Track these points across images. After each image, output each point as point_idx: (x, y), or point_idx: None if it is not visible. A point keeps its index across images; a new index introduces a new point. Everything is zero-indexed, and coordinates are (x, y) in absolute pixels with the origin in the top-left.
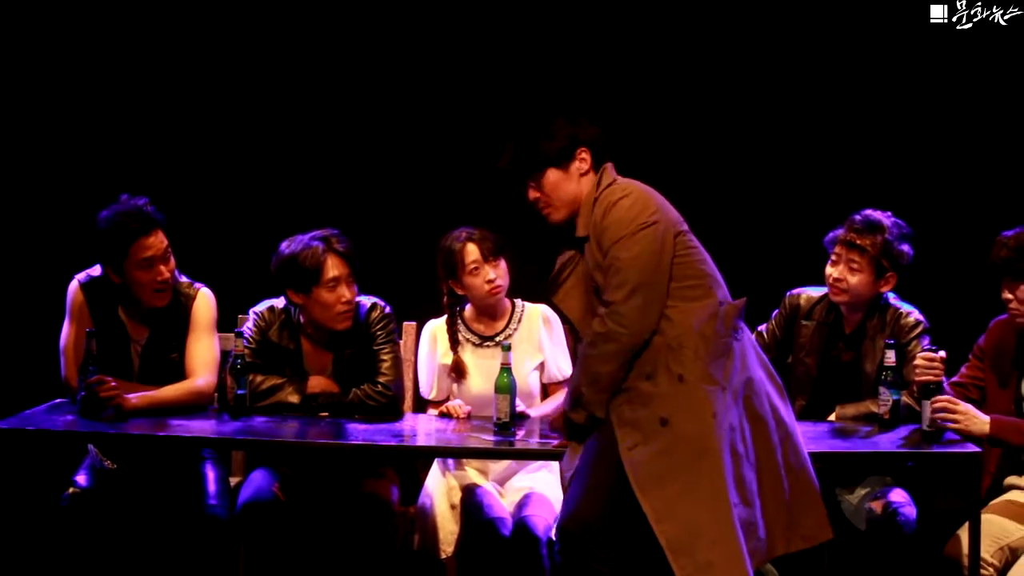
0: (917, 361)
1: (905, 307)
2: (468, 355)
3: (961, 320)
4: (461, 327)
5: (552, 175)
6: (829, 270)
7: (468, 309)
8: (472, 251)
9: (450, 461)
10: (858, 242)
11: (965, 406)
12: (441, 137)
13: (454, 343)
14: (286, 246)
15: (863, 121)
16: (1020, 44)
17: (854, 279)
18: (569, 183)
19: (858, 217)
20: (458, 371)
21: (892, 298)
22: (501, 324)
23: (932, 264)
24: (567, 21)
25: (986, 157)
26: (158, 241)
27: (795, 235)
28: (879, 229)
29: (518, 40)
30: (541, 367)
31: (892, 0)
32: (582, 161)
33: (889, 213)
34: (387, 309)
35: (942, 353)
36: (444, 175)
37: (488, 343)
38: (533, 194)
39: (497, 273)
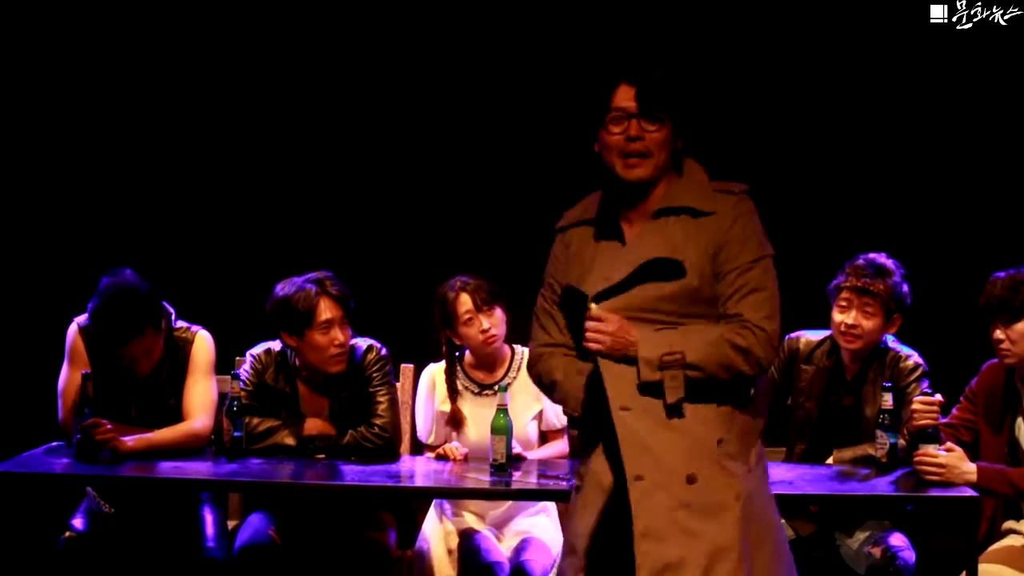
0: (914, 406)
1: (905, 350)
2: (467, 403)
3: (954, 362)
4: (460, 375)
5: (671, 129)
6: (840, 317)
7: (468, 356)
8: (465, 301)
9: (447, 505)
10: (871, 288)
11: (949, 455)
12: (438, 179)
13: (452, 392)
14: (280, 288)
15: (863, 138)
16: (1020, 44)
17: (869, 324)
18: (670, 145)
19: (862, 262)
20: (455, 421)
21: (891, 341)
22: (500, 372)
23: (926, 305)
24: (555, 74)
25: (986, 160)
26: (143, 344)
27: (793, 277)
28: (887, 272)
29: (514, 84)
30: (539, 415)
31: (892, 0)
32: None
33: (884, 254)
34: (383, 351)
35: (939, 397)
36: (441, 216)
37: (487, 391)
38: (646, 130)
39: (492, 322)
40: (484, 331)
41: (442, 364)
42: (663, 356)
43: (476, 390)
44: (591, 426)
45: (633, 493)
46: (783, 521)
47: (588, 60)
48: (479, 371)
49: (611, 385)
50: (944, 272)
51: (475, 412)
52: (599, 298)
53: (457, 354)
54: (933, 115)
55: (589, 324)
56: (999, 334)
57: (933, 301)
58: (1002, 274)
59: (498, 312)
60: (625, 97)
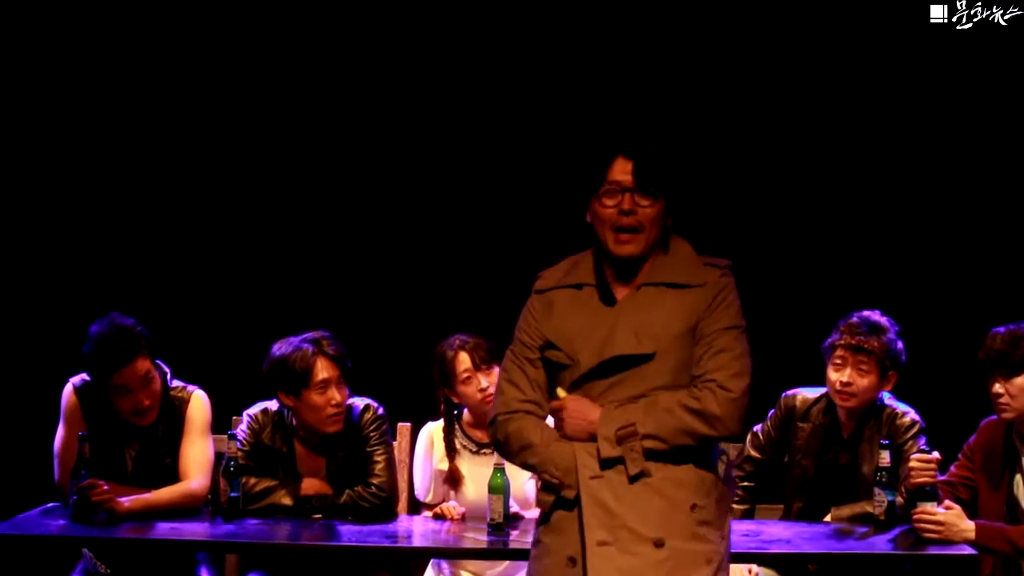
0: (912, 463)
1: (901, 407)
2: (465, 463)
3: (951, 419)
4: (458, 434)
5: (664, 205)
6: (835, 375)
7: (466, 414)
8: (464, 360)
9: (445, 565)
10: (865, 345)
11: (947, 513)
12: (435, 238)
13: (450, 451)
14: (277, 348)
15: (861, 174)
16: (1020, 44)
17: (864, 381)
18: (661, 221)
19: (856, 319)
20: (453, 480)
21: (888, 398)
22: None
23: (922, 362)
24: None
25: (986, 162)
26: (136, 371)
27: (788, 335)
28: (881, 329)
29: (512, 146)
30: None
31: (892, 0)
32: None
33: (878, 311)
34: (380, 410)
35: (936, 454)
36: (438, 276)
37: (485, 450)
38: (640, 205)
39: (490, 381)
40: (482, 390)
41: (440, 422)
42: (618, 431)
43: (474, 449)
44: (568, 492)
45: (592, 559)
46: None
47: (585, 129)
48: (477, 430)
49: (581, 454)
50: (940, 328)
51: (473, 471)
52: (575, 385)
53: (455, 412)
54: (932, 118)
55: (552, 409)
56: (998, 388)
57: (929, 358)
58: (1002, 329)
59: (496, 371)
60: (622, 170)
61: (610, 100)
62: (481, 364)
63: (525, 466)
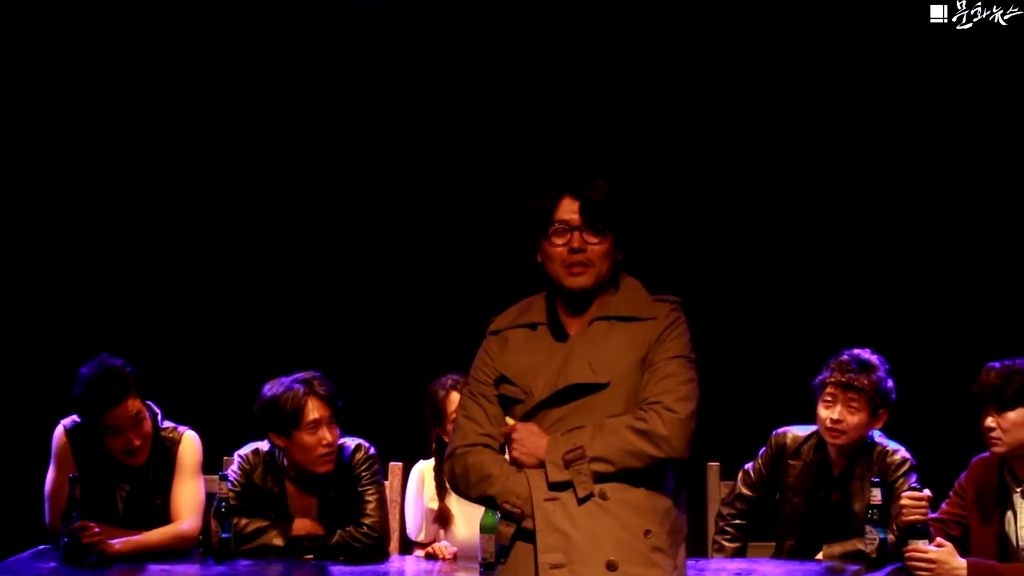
0: (903, 501)
1: (891, 445)
2: (456, 501)
3: (942, 456)
4: None
5: (613, 241)
6: (825, 413)
7: None
8: (454, 400)
9: None
10: (855, 383)
11: (939, 551)
12: (424, 279)
13: (441, 490)
14: (268, 389)
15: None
16: (1020, 44)
17: (854, 419)
18: (611, 256)
19: (846, 357)
20: (443, 519)
21: (878, 436)
22: None
23: (913, 400)
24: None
25: (986, 163)
26: (126, 411)
27: (777, 372)
28: (871, 367)
29: (490, 183)
30: None
31: (892, 0)
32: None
33: (868, 350)
34: (371, 450)
35: (927, 492)
36: (428, 316)
37: None
38: (588, 242)
39: None
40: None
41: (431, 461)
42: (566, 455)
43: None
44: (528, 523)
45: None
46: None
47: (532, 172)
48: None
49: (534, 479)
50: (930, 367)
51: (464, 510)
52: (528, 416)
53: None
54: (932, 118)
55: (504, 434)
56: (990, 422)
57: (919, 396)
58: (997, 364)
59: None
60: (569, 210)
61: (556, 141)
62: None
63: (482, 498)
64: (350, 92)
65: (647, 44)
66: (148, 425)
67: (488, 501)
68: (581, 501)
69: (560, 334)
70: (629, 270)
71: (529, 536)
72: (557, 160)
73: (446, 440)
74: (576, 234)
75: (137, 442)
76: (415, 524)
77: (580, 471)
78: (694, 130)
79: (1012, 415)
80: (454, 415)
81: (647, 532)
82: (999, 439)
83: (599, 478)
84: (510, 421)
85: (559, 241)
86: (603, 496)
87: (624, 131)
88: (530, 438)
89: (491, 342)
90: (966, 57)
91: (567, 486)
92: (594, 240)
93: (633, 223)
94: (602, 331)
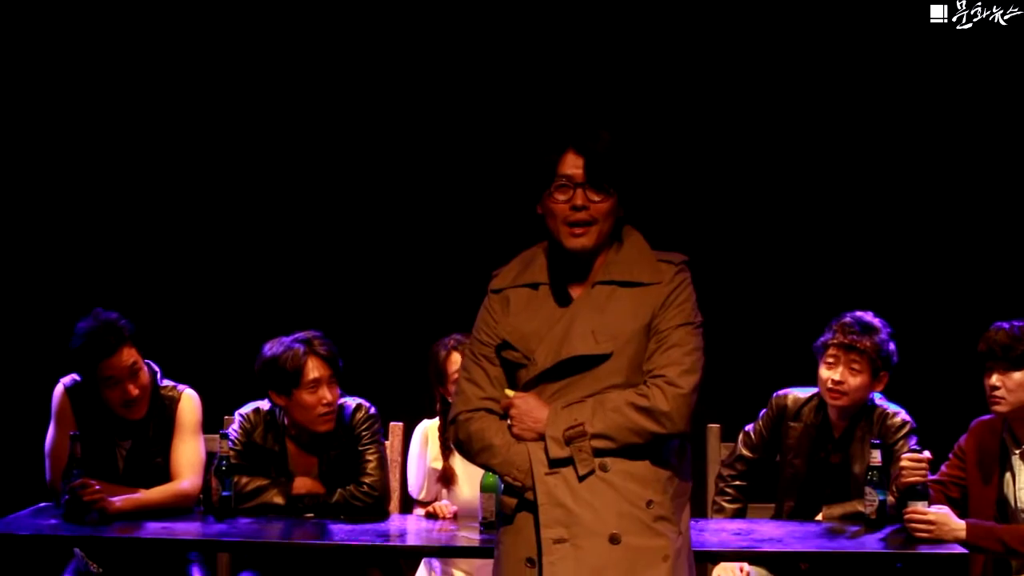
0: (902, 463)
1: (892, 407)
2: (459, 461)
3: (942, 419)
4: None
5: (616, 199)
6: (827, 374)
7: None
8: (456, 360)
9: (437, 563)
10: (857, 344)
11: (938, 513)
12: (426, 237)
13: (445, 450)
14: (268, 348)
15: (858, 170)
16: (1020, 44)
17: (855, 381)
18: (614, 214)
19: (849, 319)
20: (447, 479)
21: (878, 399)
22: None
23: (914, 364)
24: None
25: (985, 163)
26: (122, 360)
27: (780, 335)
28: (873, 329)
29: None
30: None
31: (892, 0)
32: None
33: (871, 312)
34: (372, 410)
35: (927, 454)
36: (430, 274)
37: None
38: (591, 200)
39: None
40: None
41: (436, 420)
42: (566, 432)
43: None
44: (530, 494)
45: (548, 556)
46: None
47: (536, 124)
48: None
49: (535, 452)
50: (931, 330)
51: (467, 470)
52: (530, 384)
53: None
54: (932, 118)
55: (502, 407)
56: (995, 380)
57: (920, 359)
58: (1005, 324)
59: None
60: (572, 165)
61: (563, 94)
62: None
63: (486, 467)
64: (348, 44)
65: None
66: (146, 376)
67: (491, 469)
68: (582, 478)
69: (562, 297)
70: (632, 223)
71: (532, 507)
72: (559, 111)
73: (450, 400)
74: (579, 191)
75: (135, 391)
76: (417, 482)
77: (581, 448)
78: (699, 91)
79: (1017, 375)
80: (455, 376)
81: (649, 502)
82: (1003, 398)
83: (600, 453)
84: (510, 393)
85: (561, 197)
86: (604, 468)
87: (629, 85)
88: (530, 412)
89: (493, 301)
90: (966, 57)
91: (568, 462)
92: (597, 198)
93: (638, 181)
94: (605, 296)
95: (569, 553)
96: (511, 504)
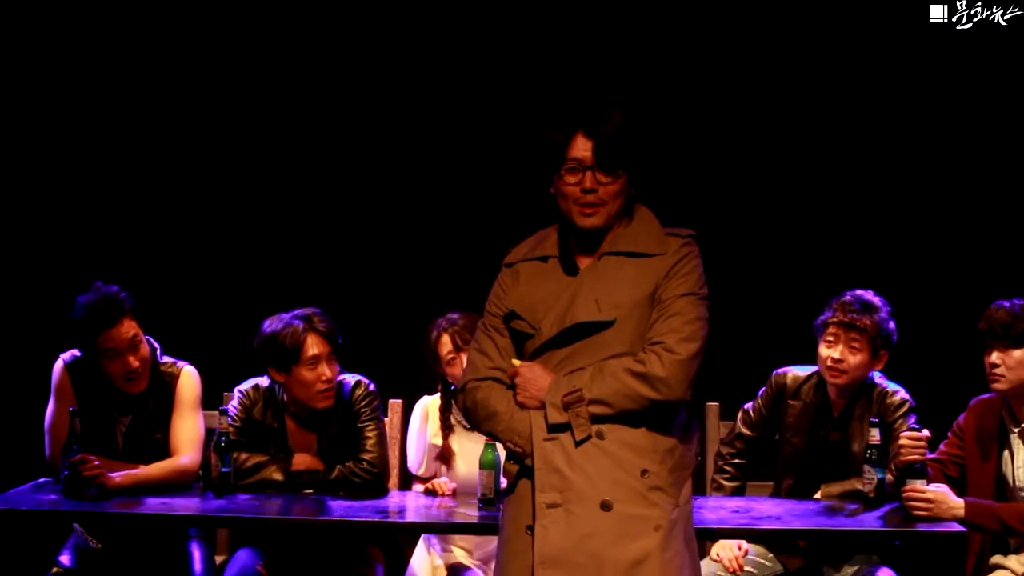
0: (901, 441)
1: (891, 386)
2: (459, 438)
3: (940, 398)
4: (454, 410)
5: (626, 179)
6: (826, 352)
7: None
8: (446, 342)
9: (435, 540)
10: (857, 323)
11: (936, 491)
12: (425, 214)
13: (445, 428)
14: (268, 325)
15: (858, 157)
16: (1020, 44)
17: (855, 359)
18: (625, 194)
19: (849, 297)
20: (444, 457)
21: (878, 377)
22: None
23: (913, 342)
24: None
25: (981, 177)
26: (122, 332)
27: (780, 312)
28: (873, 308)
29: (507, 117)
30: None
31: (892, 0)
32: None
33: (871, 291)
34: (371, 387)
35: (926, 432)
36: (430, 251)
37: None
38: (601, 182)
39: None
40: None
41: (436, 396)
42: (564, 397)
43: (468, 426)
44: (529, 460)
45: (540, 520)
46: (771, 556)
47: (546, 107)
48: None
49: (536, 419)
50: (931, 309)
51: (466, 447)
52: (536, 353)
53: (453, 387)
54: (931, 117)
55: (510, 375)
56: (995, 358)
57: (920, 338)
58: (1006, 302)
59: None
60: (582, 148)
61: (573, 73)
62: (463, 345)
63: (490, 434)
64: (353, 24)
65: None
66: (146, 350)
67: (495, 436)
68: (579, 444)
69: (571, 268)
70: (640, 200)
71: (530, 473)
72: (569, 91)
73: (449, 380)
74: (589, 174)
75: (136, 364)
76: (416, 458)
77: (578, 414)
78: (704, 73)
79: (1017, 353)
80: (447, 357)
81: (644, 472)
82: (1002, 376)
83: (598, 419)
84: (516, 362)
85: (571, 179)
86: (600, 436)
87: (638, 67)
88: (534, 380)
89: (505, 275)
90: (966, 57)
91: (566, 428)
92: (607, 179)
93: (647, 161)
94: (611, 266)
95: (560, 517)
96: (513, 471)
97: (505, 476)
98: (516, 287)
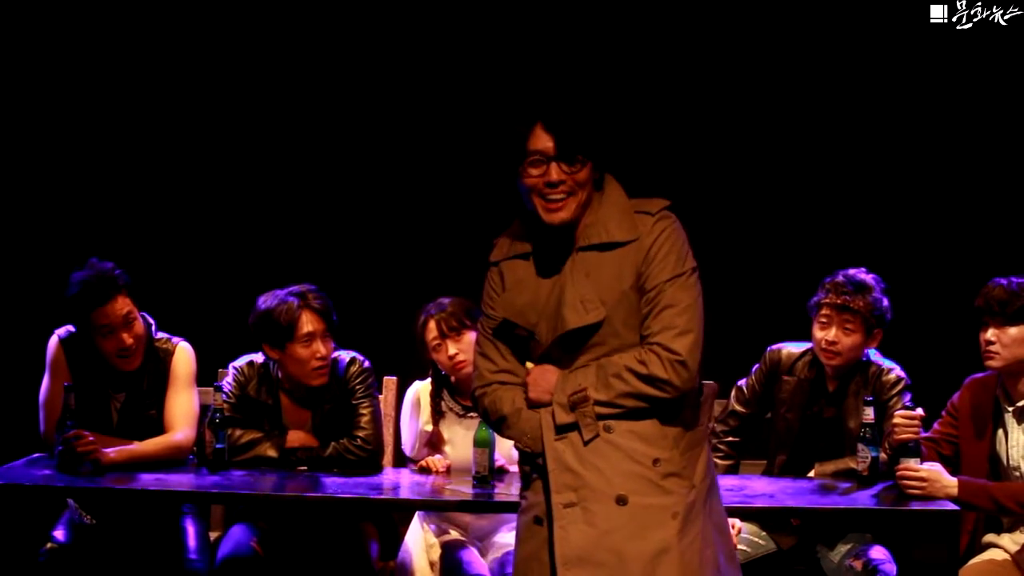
0: (895, 419)
1: (887, 364)
2: (451, 424)
3: (935, 376)
4: (446, 396)
5: (591, 170)
6: (820, 334)
7: (453, 377)
8: (432, 329)
9: (430, 517)
10: (850, 305)
11: (930, 470)
12: (421, 192)
13: (436, 414)
14: (263, 301)
15: (857, 143)
16: (1020, 44)
17: (849, 340)
18: (591, 179)
19: (841, 278)
20: (435, 444)
21: (874, 355)
22: None
23: (908, 319)
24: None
25: (980, 165)
26: (116, 309)
27: (774, 291)
28: (866, 288)
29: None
30: None
31: (892, 0)
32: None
33: (863, 269)
34: (366, 364)
35: (920, 411)
36: (425, 229)
37: (472, 413)
38: (565, 171)
39: (459, 348)
40: (451, 357)
41: (428, 381)
42: (571, 397)
43: (460, 412)
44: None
45: (559, 521)
46: (764, 534)
47: (504, 99)
48: (463, 394)
49: (545, 418)
50: (926, 286)
51: (458, 433)
52: (543, 357)
53: (444, 374)
54: (932, 116)
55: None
56: (991, 335)
57: (915, 315)
58: (1003, 280)
59: (468, 337)
60: (543, 139)
61: (531, 68)
62: (449, 332)
63: (507, 437)
64: (341, 15)
65: None
66: (140, 327)
67: (510, 439)
68: (587, 443)
69: (551, 264)
70: (614, 172)
71: (543, 470)
72: (529, 79)
73: (439, 367)
74: (552, 165)
75: (130, 340)
76: (409, 442)
77: (585, 413)
78: (709, 65)
79: (1013, 331)
80: (433, 343)
81: (656, 460)
82: (997, 353)
83: (606, 416)
84: (530, 365)
85: (535, 172)
86: (608, 429)
87: (611, 35)
88: (542, 379)
89: (492, 275)
90: (966, 57)
91: (574, 427)
92: (571, 169)
93: (611, 146)
94: (589, 263)
95: (579, 516)
96: (527, 471)
97: (520, 476)
98: (503, 292)
